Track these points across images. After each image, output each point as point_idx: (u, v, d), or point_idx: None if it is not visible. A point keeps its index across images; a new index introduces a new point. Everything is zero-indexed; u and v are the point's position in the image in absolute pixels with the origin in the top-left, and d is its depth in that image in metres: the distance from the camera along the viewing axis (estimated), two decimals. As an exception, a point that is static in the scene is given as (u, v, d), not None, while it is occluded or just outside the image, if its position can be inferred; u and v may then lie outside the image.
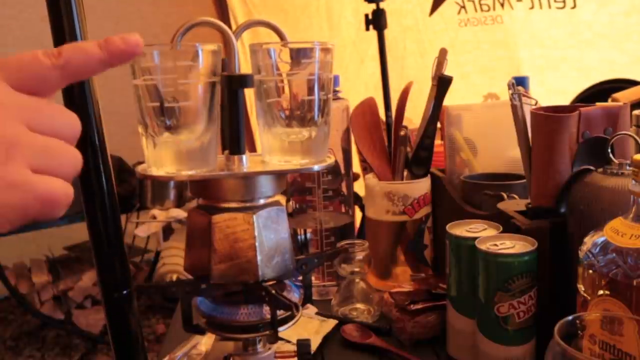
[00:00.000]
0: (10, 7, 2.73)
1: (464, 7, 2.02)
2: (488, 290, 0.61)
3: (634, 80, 1.32)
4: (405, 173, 0.90)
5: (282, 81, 0.59)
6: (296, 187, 0.90)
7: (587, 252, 0.51)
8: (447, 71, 0.85)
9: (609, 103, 0.78)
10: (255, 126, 0.61)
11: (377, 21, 1.72)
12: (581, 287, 0.52)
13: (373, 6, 1.72)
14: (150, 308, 2.61)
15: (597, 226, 0.53)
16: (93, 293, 2.57)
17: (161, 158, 0.56)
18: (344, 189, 0.92)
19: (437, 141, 0.90)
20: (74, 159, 0.35)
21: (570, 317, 0.45)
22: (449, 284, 0.69)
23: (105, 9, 2.62)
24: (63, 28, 0.60)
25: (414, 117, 0.99)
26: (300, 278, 0.65)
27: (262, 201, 0.60)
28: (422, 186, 0.87)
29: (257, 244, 0.57)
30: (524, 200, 0.72)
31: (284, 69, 0.59)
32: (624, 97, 0.95)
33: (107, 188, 0.65)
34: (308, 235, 0.89)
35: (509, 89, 0.69)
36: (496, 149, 0.87)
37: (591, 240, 0.52)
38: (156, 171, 0.56)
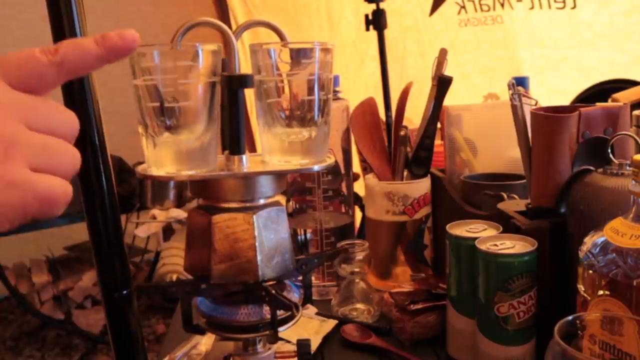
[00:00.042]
0: (10, 7, 2.73)
1: (464, 7, 2.02)
2: (488, 290, 0.61)
3: (634, 81, 1.32)
4: (405, 173, 0.90)
5: (282, 81, 0.59)
6: (296, 187, 0.90)
7: (587, 252, 0.51)
8: (447, 71, 0.85)
9: (609, 103, 0.78)
10: (255, 126, 0.61)
11: (377, 21, 1.72)
12: (581, 287, 0.52)
13: (373, 6, 1.72)
14: (150, 308, 2.61)
15: (597, 226, 0.53)
16: (93, 293, 2.57)
17: (161, 158, 0.56)
18: (344, 189, 0.92)
19: (437, 141, 0.90)
20: (73, 158, 0.35)
21: (570, 317, 0.45)
22: (449, 284, 0.69)
23: (105, 9, 2.62)
24: (63, 28, 0.60)
25: (414, 117, 0.99)
26: (300, 278, 0.65)
27: (262, 201, 0.60)
28: (422, 186, 0.87)
29: (257, 244, 0.57)
30: (524, 200, 0.72)
31: (284, 69, 0.59)
32: (624, 97, 0.95)
33: (107, 188, 0.65)
34: (308, 235, 0.89)
35: (509, 89, 0.69)
36: (496, 149, 0.87)
37: (591, 240, 0.52)
38: (156, 171, 0.56)
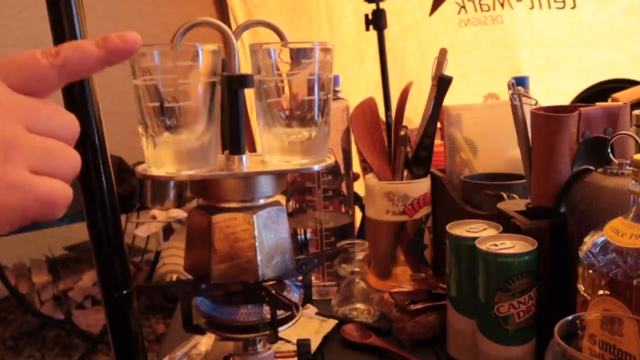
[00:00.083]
0: (10, 7, 2.73)
1: (464, 7, 2.02)
2: (488, 290, 0.61)
3: (634, 80, 1.32)
4: (405, 173, 0.90)
5: (282, 81, 0.59)
6: (296, 187, 0.90)
7: (587, 252, 0.51)
8: (447, 71, 0.85)
9: (609, 103, 0.78)
10: (255, 126, 0.61)
11: (377, 21, 1.72)
12: (581, 287, 0.52)
13: (373, 6, 1.72)
14: (150, 308, 2.61)
15: (597, 226, 0.53)
16: (93, 293, 2.57)
17: (161, 158, 0.56)
18: (344, 189, 0.92)
19: (437, 141, 0.90)
20: (73, 160, 0.35)
21: (570, 317, 0.45)
22: (449, 284, 0.69)
23: (105, 9, 2.62)
24: (63, 28, 0.60)
25: (414, 117, 0.99)
26: (300, 278, 0.65)
27: (262, 201, 0.60)
28: (422, 186, 0.87)
29: (257, 244, 0.57)
30: (524, 200, 0.72)
31: (284, 69, 0.59)
32: (624, 97, 0.95)
33: (107, 188, 0.65)
34: (308, 235, 0.89)
35: (509, 89, 0.69)
36: (496, 149, 0.87)
37: (591, 240, 0.52)
38: (156, 171, 0.56)
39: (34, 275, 2.59)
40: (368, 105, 0.92)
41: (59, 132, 0.34)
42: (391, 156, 0.91)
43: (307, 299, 0.64)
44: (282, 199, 0.63)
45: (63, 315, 2.53)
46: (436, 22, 2.07)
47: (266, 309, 0.59)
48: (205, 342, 0.69)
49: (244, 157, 0.59)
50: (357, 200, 1.06)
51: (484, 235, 0.65)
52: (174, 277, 2.34)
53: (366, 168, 1.03)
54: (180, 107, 0.55)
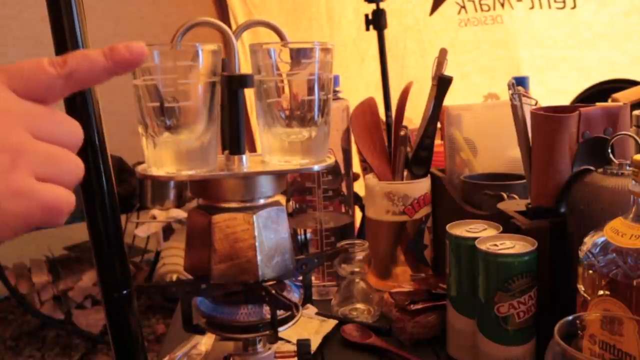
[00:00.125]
0: (10, 7, 2.73)
1: (464, 7, 2.02)
2: (488, 290, 0.61)
3: (634, 80, 1.32)
4: (405, 173, 0.90)
5: (282, 81, 0.59)
6: (296, 187, 0.90)
7: (587, 252, 0.51)
8: (447, 71, 0.85)
9: (609, 103, 0.78)
10: (255, 126, 0.61)
11: (377, 21, 1.72)
12: (581, 287, 0.52)
13: (373, 6, 1.72)
14: (150, 308, 2.61)
15: (597, 226, 0.53)
16: (93, 293, 2.57)
17: (161, 158, 0.56)
18: (344, 189, 0.92)
19: (437, 141, 0.90)
20: (77, 167, 0.35)
21: (570, 317, 0.45)
22: (449, 284, 0.69)
23: (105, 9, 2.62)
24: (63, 28, 0.60)
25: (414, 117, 0.99)
26: (300, 278, 0.65)
27: (262, 201, 0.60)
28: (422, 186, 0.87)
29: (257, 244, 0.57)
30: (524, 200, 0.72)
31: (284, 69, 0.59)
32: (624, 97, 0.95)
33: (107, 188, 0.65)
34: (308, 235, 0.89)
35: (509, 89, 0.69)
36: (496, 149, 0.87)
37: (591, 240, 0.52)
38: (156, 171, 0.56)
39: (34, 275, 2.59)
40: (368, 105, 0.92)
41: (63, 139, 0.35)
42: (391, 156, 0.91)
43: (307, 299, 0.64)
44: (282, 199, 0.63)
45: (63, 315, 2.53)
46: (436, 22, 2.07)
47: (266, 309, 0.59)
48: (205, 342, 0.69)
49: (244, 157, 0.59)
50: (357, 200, 1.06)
51: (484, 235, 0.65)
52: (174, 277, 2.34)
53: (366, 168, 1.03)
54: (180, 107, 0.55)
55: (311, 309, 0.83)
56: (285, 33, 0.60)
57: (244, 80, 0.57)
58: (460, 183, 0.85)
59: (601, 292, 0.49)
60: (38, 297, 2.53)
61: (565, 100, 1.57)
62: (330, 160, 0.61)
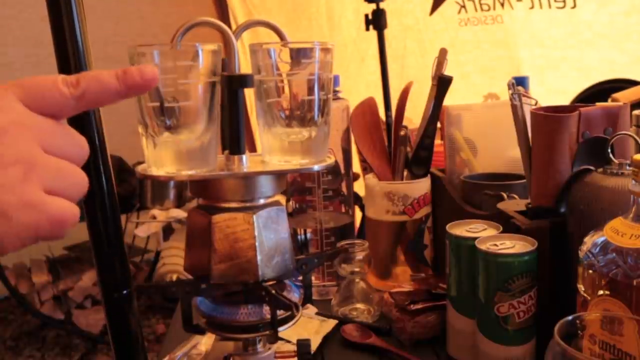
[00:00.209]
0: (10, 7, 2.73)
1: (464, 6, 2.02)
2: (488, 290, 0.61)
3: (634, 80, 1.32)
4: (405, 173, 0.90)
5: (282, 81, 0.59)
6: (296, 187, 0.90)
7: (587, 252, 0.51)
8: (447, 71, 0.85)
9: (609, 103, 0.78)
10: (255, 126, 0.61)
11: (377, 21, 1.72)
12: (581, 287, 0.52)
13: (373, 6, 1.72)
14: (150, 308, 2.61)
15: (597, 226, 0.53)
16: (93, 293, 2.57)
17: (161, 158, 0.56)
18: (344, 189, 0.92)
19: (437, 141, 0.90)
20: (82, 181, 0.36)
21: (570, 317, 0.45)
22: (449, 284, 0.69)
23: (105, 9, 2.62)
24: (63, 28, 0.60)
25: (414, 117, 0.99)
26: (300, 278, 0.65)
27: (262, 201, 0.60)
28: (422, 186, 0.87)
29: (257, 244, 0.57)
30: (524, 200, 0.72)
31: (284, 69, 0.59)
32: (624, 97, 0.95)
33: (107, 188, 0.65)
34: (308, 235, 0.89)
35: (509, 89, 0.69)
36: (496, 149, 0.87)
37: (591, 240, 0.52)
38: (156, 171, 0.56)
39: (34, 275, 2.59)
40: (368, 105, 0.92)
41: (71, 153, 0.36)
42: (391, 156, 0.91)
43: (307, 299, 0.64)
44: (282, 199, 0.63)
45: (63, 315, 2.53)
46: (436, 22, 2.07)
47: (266, 309, 0.59)
48: (205, 342, 0.69)
49: (244, 157, 0.59)
50: (357, 200, 1.06)
51: (484, 235, 0.65)
52: (174, 277, 2.35)
53: (366, 168, 1.03)
54: (180, 107, 0.55)
55: (311, 309, 0.83)
56: (285, 33, 0.60)
57: (244, 80, 0.57)
58: (460, 183, 0.85)
59: (601, 292, 0.49)
60: (38, 297, 2.53)
61: (565, 100, 1.57)
62: (330, 160, 0.61)
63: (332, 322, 0.79)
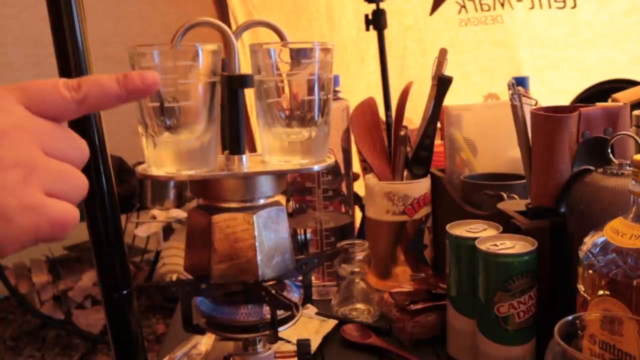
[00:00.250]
0: (10, 7, 2.73)
1: (464, 6, 2.02)
2: (488, 290, 0.61)
3: (634, 81, 1.32)
4: (405, 173, 0.90)
5: (282, 81, 0.59)
6: (296, 187, 0.90)
7: (587, 252, 0.51)
8: (448, 71, 0.85)
9: (609, 103, 0.78)
10: (255, 126, 0.61)
11: (377, 21, 1.72)
12: (581, 287, 0.52)
13: (373, 6, 1.72)
14: (150, 308, 2.61)
15: (597, 226, 0.53)
16: (93, 293, 2.57)
17: (161, 158, 0.56)
18: (344, 189, 0.92)
19: (437, 141, 0.90)
20: (82, 184, 0.36)
21: (570, 317, 0.45)
22: (449, 284, 0.69)
23: (105, 9, 2.63)
24: (63, 28, 0.60)
25: (414, 117, 0.99)
26: (300, 278, 0.65)
27: (262, 201, 0.60)
28: (422, 186, 0.87)
29: (257, 244, 0.57)
30: (524, 200, 0.72)
31: (284, 69, 0.59)
32: (624, 97, 0.95)
33: (107, 188, 0.65)
34: (308, 235, 0.89)
35: (509, 89, 0.69)
36: (496, 149, 0.87)
37: (591, 240, 0.52)
38: (156, 171, 0.56)
39: (34, 275, 2.59)
40: (368, 105, 0.92)
41: (71, 156, 0.36)
42: (391, 156, 0.91)
43: (307, 299, 0.64)
44: (282, 199, 0.63)
45: (63, 315, 2.53)
46: (436, 22, 2.07)
47: (266, 309, 0.59)
48: (205, 342, 0.69)
49: (244, 157, 0.59)
50: (357, 200, 1.06)
51: (484, 235, 0.65)
52: (174, 277, 2.35)
53: (366, 168, 1.03)
54: (180, 107, 0.55)
55: (311, 309, 0.83)
56: (285, 33, 0.60)
57: (244, 80, 0.57)
58: (460, 183, 0.85)
59: (601, 292, 0.49)
60: (38, 297, 2.53)
61: (565, 100, 1.57)
62: (330, 160, 0.61)
63: (332, 322, 0.79)
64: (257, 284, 0.58)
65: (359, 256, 0.81)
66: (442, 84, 0.85)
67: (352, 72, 2.15)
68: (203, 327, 0.61)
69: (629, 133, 0.61)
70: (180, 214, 2.51)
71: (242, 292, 0.59)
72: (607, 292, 0.49)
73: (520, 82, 0.78)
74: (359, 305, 0.82)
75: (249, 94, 0.60)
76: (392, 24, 1.80)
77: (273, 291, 0.57)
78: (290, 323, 0.60)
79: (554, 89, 1.90)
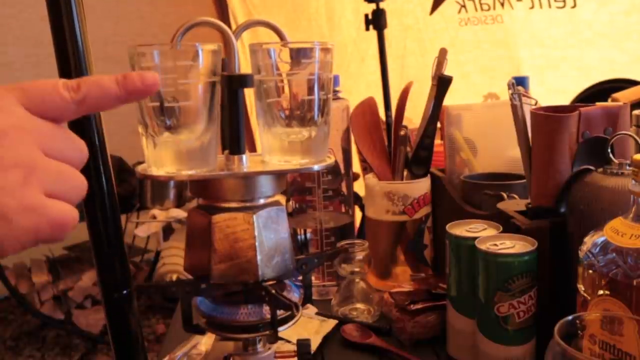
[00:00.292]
0: (10, 7, 2.73)
1: (464, 6, 2.02)
2: (488, 290, 0.61)
3: (634, 80, 1.32)
4: (405, 173, 0.90)
5: (282, 81, 0.59)
6: (296, 187, 0.90)
7: (587, 252, 0.51)
8: (448, 71, 0.85)
9: (609, 103, 0.78)
10: (255, 126, 0.61)
11: (377, 21, 1.72)
12: (581, 287, 0.52)
13: (373, 6, 1.72)
14: (150, 308, 2.61)
15: (597, 226, 0.53)
16: (93, 293, 2.57)
17: (161, 158, 0.56)
18: (344, 189, 0.92)
19: (437, 141, 0.90)
20: (82, 185, 0.37)
21: (570, 317, 0.45)
22: (449, 284, 0.69)
23: (105, 9, 2.63)
24: (63, 28, 0.60)
25: (414, 117, 0.99)
26: (300, 278, 0.65)
27: (262, 201, 0.60)
28: (422, 186, 0.87)
29: (257, 243, 0.57)
30: (524, 200, 0.72)
31: (284, 69, 0.59)
32: (624, 97, 0.95)
33: (107, 188, 0.65)
34: (308, 235, 0.89)
35: (509, 88, 0.69)
36: (496, 149, 0.87)
37: (591, 240, 0.52)
38: (156, 171, 0.56)
39: (34, 275, 2.59)
40: (368, 105, 0.92)
41: (70, 157, 0.36)
42: (391, 156, 0.91)
43: (307, 299, 0.64)
44: (282, 199, 0.63)
45: (63, 315, 2.53)
46: (436, 21, 2.07)
47: (266, 309, 0.59)
48: (205, 342, 0.69)
49: (244, 157, 0.59)
50: (357, 200, 1.06)
51: (484, 235, 0.65)
52: (174, 277, 2.35)
53: (366, 168, 1.03)
54: (180, 107, 0.55)
55: (311, 309, 0.83)
56: (285, 33, 0.60)
57: (244, 80, 0.57)
58: (460, 183, 0.85)
59: (601, 292, 0.49)
60: (38, 297, 2.53)
61: (565, 100, 1.57)
62: (330, 160, 0.61)
63: (332, 322, 0.79)
64: (257, 284, 0.58)
65: (359, 256, 0.81)
66: (442, 83, 0.85)
67: (352, 72, 2.15)
68: (203, 327, 0.61)
69: (629, 133, 0.61)
70: (180, 214, 2.51)
71: (242, 292, 0.59)
72: (607, 292, 0.49)
73: (520, 81, 0.78)
74: (359, 305, 0.82)
75: (249, 94, 0.60)
76: (392, 24, 1.80)
77: (273, 291, 0.57)
78: (290, 323, 0.60)
79: (554, 89, 1.90)
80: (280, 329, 0.59)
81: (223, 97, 0.57)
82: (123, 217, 2.00)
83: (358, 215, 1.07)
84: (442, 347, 0.72)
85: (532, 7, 1.93)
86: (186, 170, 0.56)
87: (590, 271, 0.50)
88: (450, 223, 0.69)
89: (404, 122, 0.89)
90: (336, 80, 0.90)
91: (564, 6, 1.87)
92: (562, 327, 0.44)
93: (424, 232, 0.88)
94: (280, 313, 0.59)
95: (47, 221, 0.33)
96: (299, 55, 0.58)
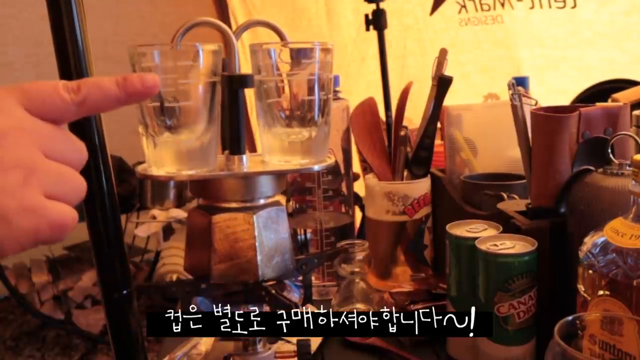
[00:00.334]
0: (10, 7, 2.73)
1: (464, 6, 2.02)
2: (488, 290, 0.61)
3: (634, 80, 1.32)
4: (405, 173, 0.90)
5: (282, 81, 0.59)
6: (296, 187, 0.90)
7: (587, 252, 0.51)
8: (448, 71, 0.85)
9: (609, 103, 0.78)
10: (255, 126, 0.61)
11: (377, 21, 1.72)
12: (581, 287, 0.52)
13: (373, 6, 1.72)
14: (150, 308, 2.61)
15: (597, 226, 0.53)
16: (93, 293, 2.57)
17: (161, 158, 0.56)
18: (344, 189, 0.92)
19: (437, 141, 0.90)
20: (81, 186, 0.37)
21: (570, 317, 0.45)
22: (449, 284, 0.69)
23: (105, 8, 2.62)
24: (63, 27, 0.60)
25: (414, 117, 0.98)
26: (300, 278, 0.65)
27: (262, 201, 0.60)
28: (422, 186, 0.87)
29: (257, 244, 0.57)
30: (524, 200, 0.72)
31: (284, 69, 0.59)
32: (624, 97, 0.95)
33: (107, 188, 0.65)
34: (308, 235, 0.89)
35: (509, 89, 0.69)
36: (496, 149, 0.87)
37: (591, 241, 0.52)
38: (156, 171, 0.56)
39: (34, 275, 2.59)
40: (368, 105, 0.92)
41: (70, 158, 0.36)
42: (391, 156, 0.91)
43: (307, 299, 0.64)
44: (282, 199, 0.63)
45: (63, 315, 2.53)
46: (437, 22, 2.07)
47: (266, 309, 0.59)
48: (205, 342, 0.69)
49: (244, 157, 0.59)
50: (357, 200, 1.06)
51: (484, 235, 0.65)
52: (174, 277, 2.34)
53: (366, 168, 1.03)
54: (181, 107, 0.55)
55: (311, 309, 0.83)
56: (285, 33, 0.60)
57: (244, 80, 0.57)
58: (460, 183, 0.85)
59: (601, 292, 0.49)
60: (38, 297, 2.53)
61: (565, 100, 1.57)
62: (330, 160, 0.61)
63: (332, 322, 0.79)
64: (257, 284, 0.58)
65: (359, 256, 0.81)
66: (442, 84, 0.85)
67: (352, 72, 2.15)
68: (203, 327, 0.61)
69: (629, 133, 0.61)
70: (180, 214, 2.51)
71: (242, 292, 0.59)
72: (607, 292, 0.49)
73: (520, 82, 0.78)
74: (359, 305, 0.82)
75: (249, 94, 0.60)
76: (392, 24, 1.80)
77: (273, 291, 0.57)
78: (290, 323, 0.60)
79: (554, 89, 1.90)
80: (280, 329, 0.59)
81: (223, 97, 0.57)
82: (123, 217, 2.00)
83: (358, 215, 1.07)
84: (442, 347, 0.72)
85: (532, 7, 1.93)
86: (186, 170, 0.56)
87: (590, 271, 0.50)
88: (451, 223, 0.69)
89: (404, 122, 0.89)
90: (336, 80, 0.90)
91: (564, 6, 1.87)
92: (562, 327, 0.44)
93: (424, 232, 0.88)
94: (280, 313, 0.59)
95: (47, 222, 0.33)
96: (299, 56, 0.59)
